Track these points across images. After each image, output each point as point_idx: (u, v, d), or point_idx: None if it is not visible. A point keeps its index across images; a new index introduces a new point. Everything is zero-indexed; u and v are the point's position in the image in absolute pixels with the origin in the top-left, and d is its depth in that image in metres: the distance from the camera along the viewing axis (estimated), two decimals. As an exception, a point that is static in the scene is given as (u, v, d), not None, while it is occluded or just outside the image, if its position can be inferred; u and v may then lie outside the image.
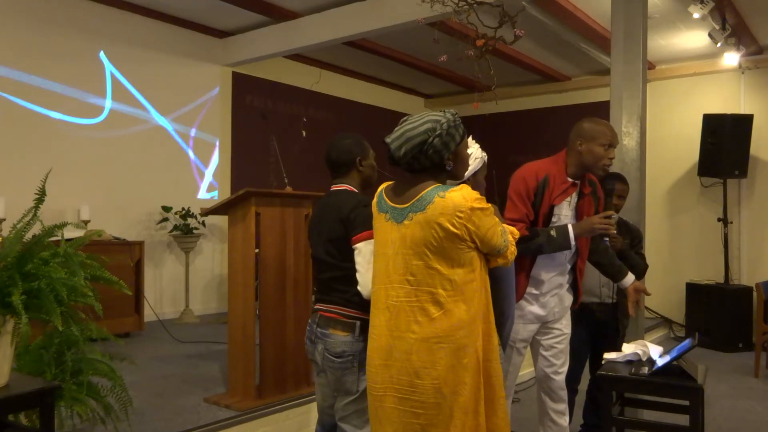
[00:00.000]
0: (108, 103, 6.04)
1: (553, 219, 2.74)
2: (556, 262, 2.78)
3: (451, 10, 4.20)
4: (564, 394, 2.91)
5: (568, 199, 2.76)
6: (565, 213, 2.76)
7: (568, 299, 2.90)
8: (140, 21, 6.26)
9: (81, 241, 2.27)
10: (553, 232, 2.66)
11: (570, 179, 2.73)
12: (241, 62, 7.01)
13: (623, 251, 3.31)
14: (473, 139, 2.39)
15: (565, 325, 2.91)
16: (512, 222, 2.58)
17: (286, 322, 3.53)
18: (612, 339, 3.39)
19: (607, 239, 2.74)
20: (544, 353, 2.89)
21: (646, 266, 3.52)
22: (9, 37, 5.36)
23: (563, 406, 2.90)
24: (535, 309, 2.79)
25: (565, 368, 2.92)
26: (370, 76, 8.73)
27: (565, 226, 2.68)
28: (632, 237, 3.46)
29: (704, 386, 2.53)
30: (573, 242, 2.66)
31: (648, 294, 2.98)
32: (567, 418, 2.93)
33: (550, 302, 2.81)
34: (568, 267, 2.84)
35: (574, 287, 2.91)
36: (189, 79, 6.77)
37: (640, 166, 3.79)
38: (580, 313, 3.24)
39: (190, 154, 6.78)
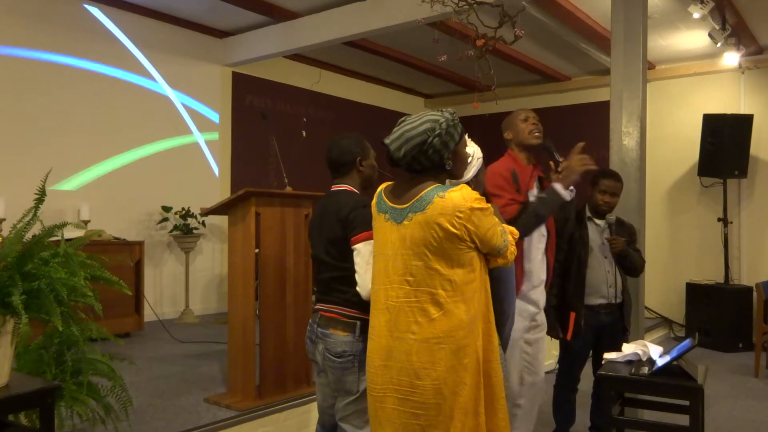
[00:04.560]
0: (108, 103, 6.04)
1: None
2: (538, 253, 2.87)
3: (451, 10, 4.19)
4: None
5: (535, 182, 2.93)
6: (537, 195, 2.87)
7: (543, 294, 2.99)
8: (140, 21, 6.26)
9: (81, 241, 2.26)
10: (542, 194, 2.75)
11: (527, 165, 2.90)
12: (241, 62, 7.01)
13: (623, 251, 3.31)
14: (470, 138, 2.40)
15: (542, 319, 2.97)
16: (505, 207, 2.62)
17: (286, 322, 3.53)
18: (618, 339, 3.38)
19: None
20: (527, 348, 2.92)
21: (643, 261, 3.53)
22: (6, 38, 5.36)
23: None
24: (527, 306, 2.84)
25: (544, 363, 3.02)
26: (370, 76, 8.72)
27: (550, 185, 2.74)
28: (629, 234, 3.45)
29: (704, 386, 2.53)
30: (563, 194, 2.68)
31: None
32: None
33: (536, 295, 2.89)
34: (545, 260, 2.93)
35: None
36: (189, 80, 6.77)
37: (640, 166, 3.78)
38: (587, 315, 3.25)
39: (190, 153, 6.78)
